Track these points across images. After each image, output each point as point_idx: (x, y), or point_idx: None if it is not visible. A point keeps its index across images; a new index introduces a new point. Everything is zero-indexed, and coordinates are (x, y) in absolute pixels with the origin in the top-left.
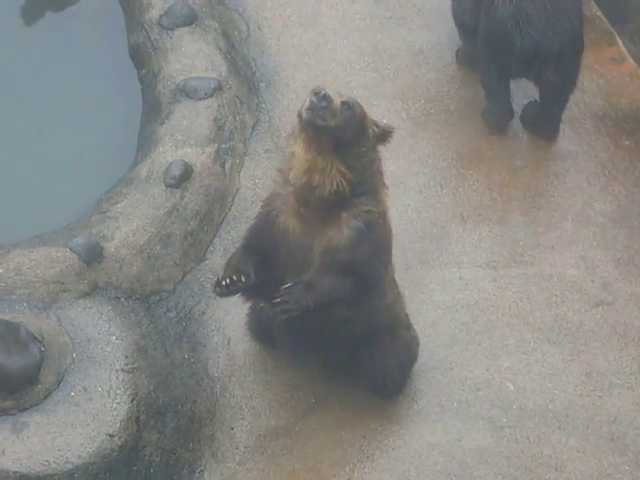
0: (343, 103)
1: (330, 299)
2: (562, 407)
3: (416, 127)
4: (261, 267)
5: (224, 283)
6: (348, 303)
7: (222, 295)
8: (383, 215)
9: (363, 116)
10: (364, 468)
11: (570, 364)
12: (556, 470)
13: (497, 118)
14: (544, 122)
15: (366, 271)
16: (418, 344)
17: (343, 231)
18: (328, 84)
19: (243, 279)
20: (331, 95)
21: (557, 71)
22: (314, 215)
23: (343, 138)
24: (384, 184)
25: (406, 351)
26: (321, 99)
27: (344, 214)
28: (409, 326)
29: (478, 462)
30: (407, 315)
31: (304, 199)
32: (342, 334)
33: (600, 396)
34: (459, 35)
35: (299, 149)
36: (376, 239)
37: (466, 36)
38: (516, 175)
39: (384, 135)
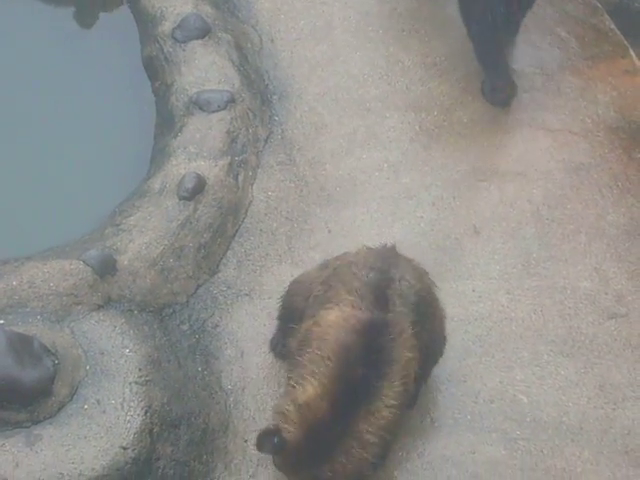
0: None
1: None
2: (576, 420)
3: (429, 139)
4: None
5: None
6: None
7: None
8: None
9: None
10: None
11: (584, 376)
12: None
13: (499, 93)
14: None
15: None
16: (444, 343)
17: None
18: None
19: None
20: None
21: None
22: None
23: None
24: None
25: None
26: None
27: None
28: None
29: (491, 474)
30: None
31: None
32: None
33: (614, 408)
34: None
35: None
36: None
37: None
38: (529, 187)
39: None
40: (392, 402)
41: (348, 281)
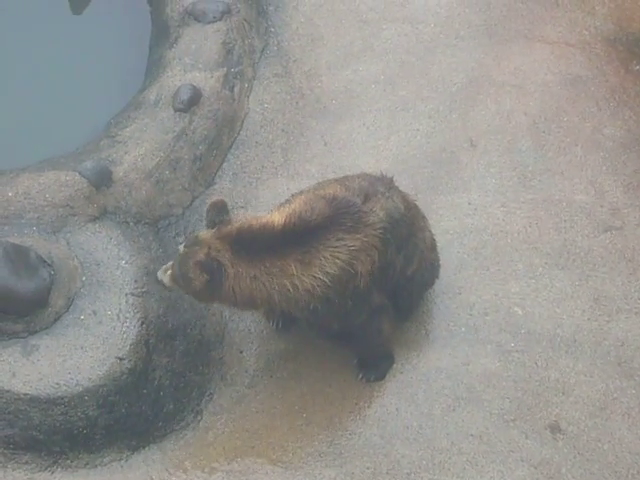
0: None
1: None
2: (570, 332)
3: (426, 52)
4: None
5: None
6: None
7: None
8: None
9: None
10: (372, 392)
11: (578, 289)
12: (563, 394)
13: None
14: None
15: None
16: (439, 265)
17: None
18: None
19: None
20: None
21: None
22: None
23: None
24: None
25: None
26: None
27: None
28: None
29: (486, 386)
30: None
31: None
32: None
33: (608, 321)
34: None
35: None
36: None
37: None
38: (526, 100)
39: None
40: (327, 271)
41: (340, 180)
